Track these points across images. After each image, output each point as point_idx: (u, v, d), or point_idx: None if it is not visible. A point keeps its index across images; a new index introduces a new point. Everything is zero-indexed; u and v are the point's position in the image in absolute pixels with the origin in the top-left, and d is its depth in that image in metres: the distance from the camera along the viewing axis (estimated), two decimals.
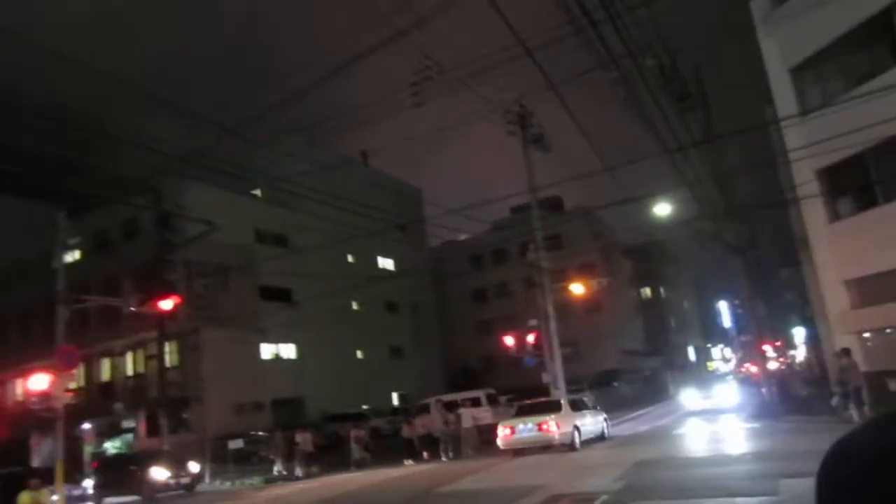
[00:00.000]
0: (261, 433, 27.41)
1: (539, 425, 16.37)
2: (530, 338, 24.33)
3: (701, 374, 60.46)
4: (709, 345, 79.99)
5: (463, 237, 45.54)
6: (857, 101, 15.71)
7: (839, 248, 18.10)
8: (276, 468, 21.52)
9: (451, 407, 21.77)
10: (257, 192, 39.04)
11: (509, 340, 25.65)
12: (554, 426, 16.28)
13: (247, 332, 32.12)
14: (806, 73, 18.57)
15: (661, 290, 59.72)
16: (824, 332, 21.44)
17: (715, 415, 22.37)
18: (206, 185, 32.58)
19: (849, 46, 17.34)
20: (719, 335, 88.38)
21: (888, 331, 17.57)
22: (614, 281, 47.50)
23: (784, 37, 19.14)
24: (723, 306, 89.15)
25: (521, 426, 16.71)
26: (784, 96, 18.96)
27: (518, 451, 17.04)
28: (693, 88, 23.01)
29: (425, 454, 19.73)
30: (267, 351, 35.23)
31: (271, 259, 33.20)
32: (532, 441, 16.53)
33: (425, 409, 21.80)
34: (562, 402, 18.16)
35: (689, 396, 28.56)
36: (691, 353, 67.30)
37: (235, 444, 23.27)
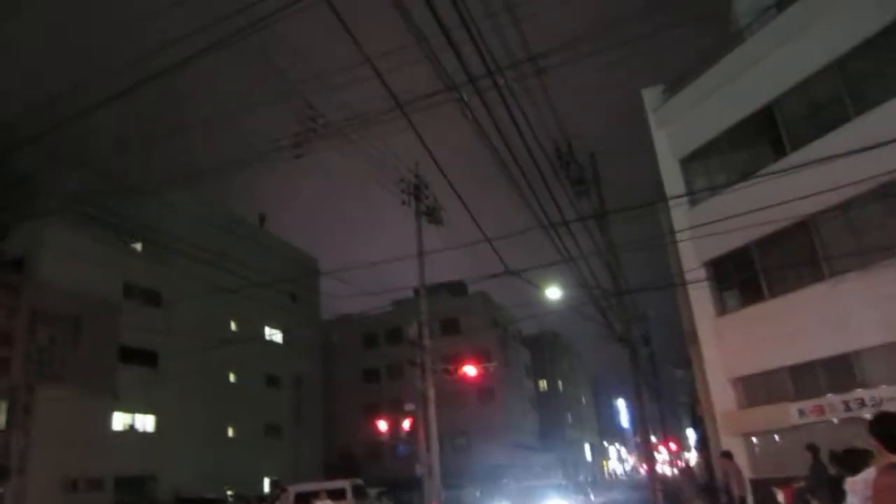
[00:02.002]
0: None
1: None
2: (406, 424, 22.22)
3: (595, 475, 59.05)
4: (605, 443, 79.30)
5: (359, 312, 43.35)
6: (743, 191, 15.46)
7: (726, 344, 17.46)
8: None
9: (308, 498, 19.12)
10: (138, 245, 35.81)
11: (382, 425, 23.39)
12: None
13: (96, 397, 28.24)
14: (694, 163, 18.55)
15: (559, 382, 58.91)
16: (712, 433, 20.52)
17: None
18: (72, 228, 29.38)
19: (734, 140, 17.43)
20: (617, 434, 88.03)
21: (776, 436, 16.68)
22: (511, 371, 46.28)
23: (674, 128, 19.24)
24: (621, 405, 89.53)
25: None
26: (674, 185, 18.77)
27: None
28: (588, 174, 22.84)
29: None
30: (120, 421, 30.99)
31: (139, 315, 29.96)
32: None
33: (276, 500, 19.03)
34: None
35: None
36: (587, 451, 66.11)
37: None
